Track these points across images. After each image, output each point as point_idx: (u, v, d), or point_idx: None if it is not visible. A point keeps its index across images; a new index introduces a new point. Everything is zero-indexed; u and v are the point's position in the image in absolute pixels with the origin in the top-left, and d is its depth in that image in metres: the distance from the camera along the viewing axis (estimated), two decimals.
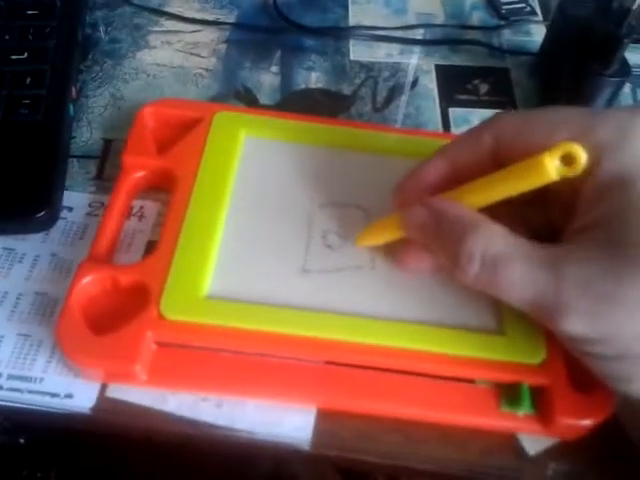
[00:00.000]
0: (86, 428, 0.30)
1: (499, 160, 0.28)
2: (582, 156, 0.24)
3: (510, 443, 0.30)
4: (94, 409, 0.29)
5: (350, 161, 0.36)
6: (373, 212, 0.34)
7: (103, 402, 0.30)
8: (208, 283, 0.31)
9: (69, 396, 0.30)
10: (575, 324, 0.24)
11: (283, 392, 0.30)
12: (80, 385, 0.30)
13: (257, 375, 0.30)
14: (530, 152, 0.25)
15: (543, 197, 0.29)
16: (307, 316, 0.30)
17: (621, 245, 0.24)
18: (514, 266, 0.25)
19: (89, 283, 0.31)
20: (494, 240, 0.26)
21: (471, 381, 0.30)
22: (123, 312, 0.30)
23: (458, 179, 0.29)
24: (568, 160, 0.24)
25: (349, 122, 0.40)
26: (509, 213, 0.28)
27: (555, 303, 0.24)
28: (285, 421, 0.30)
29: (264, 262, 0.32)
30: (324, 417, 0.30)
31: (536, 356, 0.29)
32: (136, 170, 0.35)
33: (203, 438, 0.30)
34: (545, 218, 0.30)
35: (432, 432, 0.30)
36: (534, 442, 0.30)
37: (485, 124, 0.29)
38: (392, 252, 0.32)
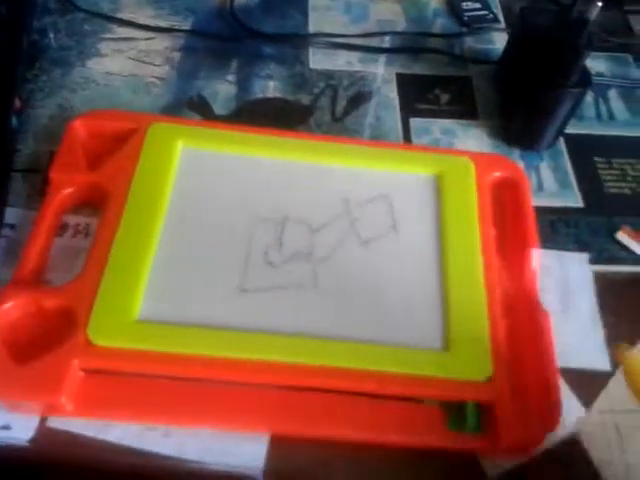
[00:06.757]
0: (25, 460, 0.28)
1: None
2: None
3: (470, 465, 0.29)
4: (33, 441, 0.28)
5: (294, 173, 0.35)
6: (317, 227, 0.33)
7: (43, 433, 0.28)
8: (139, 305, 0.29)
9: (6, 427, 0.28)
10: None
11: (223, 419, 0.28)
12: (19, 415, 0.28)
13: (194, 402, 0.28)
14: None
15: None
16: (245, 338, 0.29)
17: None
18: None
19: (10, 308, 0.29)
20: None
21: (419, 401, 0.29)
22: (49, 338, 0.28)
23: None
24: None
25: (291, 132, 0.38)
26: None
27: None
28: (237, 450, 0.28)
29: (199, 282, 0.31)
30: (277, 444, 0.28)
31: (482, 373, 0.29)
32: (64, 187, 0.33)
33: (150, 469, 0.28)
34: None
35: (387, 456, 0.29)
36: (494, 464, 0.29)
37: None
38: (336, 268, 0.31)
